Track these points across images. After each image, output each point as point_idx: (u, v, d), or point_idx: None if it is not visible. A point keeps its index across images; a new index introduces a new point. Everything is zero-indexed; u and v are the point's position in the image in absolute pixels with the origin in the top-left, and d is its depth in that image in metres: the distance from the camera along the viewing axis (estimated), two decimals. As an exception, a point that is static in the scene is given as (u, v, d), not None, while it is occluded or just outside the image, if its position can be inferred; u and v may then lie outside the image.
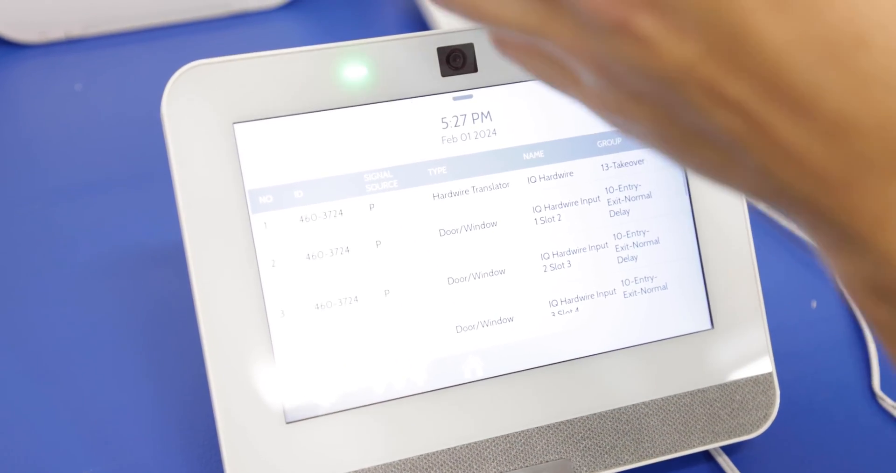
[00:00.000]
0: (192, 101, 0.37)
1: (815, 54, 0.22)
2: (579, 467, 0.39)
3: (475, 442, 0.38)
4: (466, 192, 0.39)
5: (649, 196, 0.41)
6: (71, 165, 0.55)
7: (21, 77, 0.61)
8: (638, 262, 0.40)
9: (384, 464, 0.37)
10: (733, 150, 0.24)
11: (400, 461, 0.37)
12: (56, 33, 0.62)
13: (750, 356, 0.41)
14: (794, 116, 0.23)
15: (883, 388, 0.44)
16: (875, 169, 0.22)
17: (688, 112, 0.24)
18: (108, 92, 0.59)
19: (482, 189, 0.39)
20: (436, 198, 0.39)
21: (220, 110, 0.37)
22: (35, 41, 0.62)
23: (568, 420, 0.39)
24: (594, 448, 0.39)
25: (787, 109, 0.23)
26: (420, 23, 0.65)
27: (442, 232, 0.39)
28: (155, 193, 0.47)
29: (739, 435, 0.40)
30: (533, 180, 0.40)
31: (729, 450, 0.42)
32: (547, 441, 0.39)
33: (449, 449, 0.38)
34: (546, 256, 0.40)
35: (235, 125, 0.37)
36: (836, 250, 0.24)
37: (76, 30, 0.63)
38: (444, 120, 0.39)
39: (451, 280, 0.39)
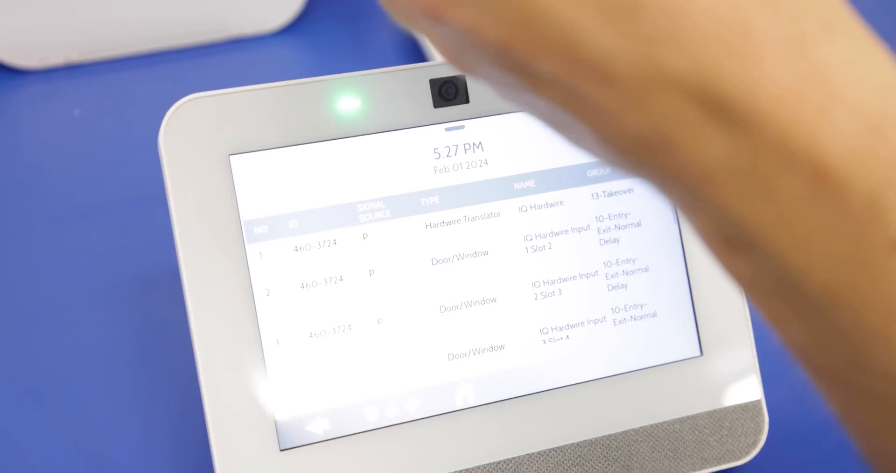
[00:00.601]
0: (189, 133, 0.37)
1: (600, 23, 0.23)
2: (570, 493, 0.39)
3: (466, 469, 0.39)
4: (458, 221, 0.40)
5: (639, 225, 0.41)
6: (69, 190, 0.55)
7: (20, 103, 0.62)
8: (628, 290, 0.41)
9: (377, 491, 0.38)
10: (572, 123, 0.25)
11: (392, 487, 0.38)
12: (55, 59, 0.63)
13: (739, 383, 0.41)
14: (601, 84, 0.23)
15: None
16: (685, 126, 0.23)
17: (526, 94, 0.25)
18: (106, 118, 0.60)
19: (474, 218, 0.40)
20: (428, 227, 0.39)
21: (216, 142, 0.38)
22: (34, 67, 0.63)
23: (558, 447, 0.39)
24: (585, 475, 0.40)
25: (592, 78, 0.24)
26: (415, 47, 0.65)
27: (434, 261, 0.39)
28: (152, 218, 0.48)
29: (728, 462, 0.41)
30: (524, 209, 0.40)
31: (718, 476, 0.42)
32: (537, 467, 0.39)
33: (441, 476, 0.38)
34: (537, 284, 0.40)
35: (231, 157, 0.38)
36: (684, 207, 0.25)
37: (75, 55, 0.64)
38: (437, 150, 0.40)
39: (442, 309, 0.39)
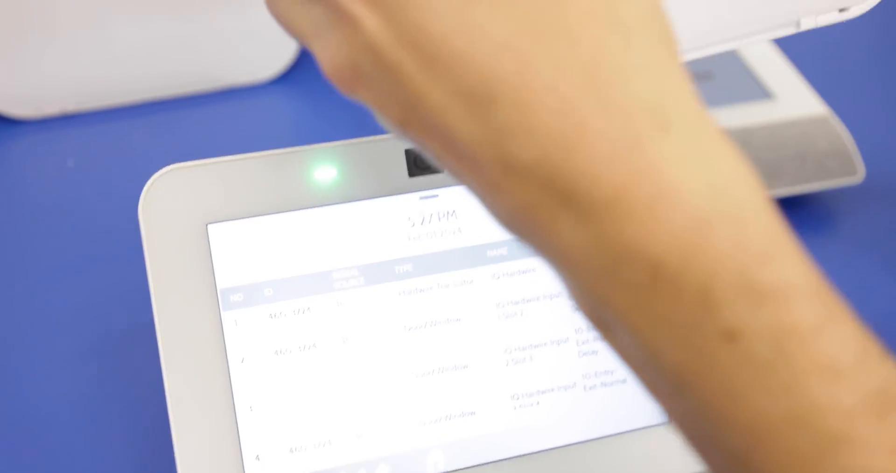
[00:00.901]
0: (168, 203, 0.38)
1: (465, 113, 0.25)
2: (539, 558, 0.40)
3: (435, 535, 0.39)
4: (431, 288, 0.41)
5: (611, 291, 0.42)
6: (56, 242, 0.56)
7: (16, 153, 0.63)
8: (598, 356, 0.42)
9: (347, 555, 0.38)
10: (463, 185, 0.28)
11: (363, 552, 0.38)
12: (51, 109, 0.64)
13: (707, 449, 0.42)
14: (472, 168, 0.26)
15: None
16: (543, 212, 0.25)
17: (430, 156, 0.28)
18: (99, 169, 0.61)
19: (447, 286, 0.41)
20: (402, 295, 0.40)
21: (193, 212, 0.39)
22: (31, 116, 0.64)
23: (527, 513, 0.40)
24: (553, 540, 0.40)
25: (465, 162, 0.26)
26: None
27: (407, 328, 0.40)
28: (136, 275, 0.48)
29: (696, 527, 0.41)
30: (497, 276, 0.41)
31: (689, 539, 0.43)
32: (506, 533, 0.40)
33: (411, 541, 0.39)
34: (508, 350, 0.41)
35: (209, 226, 0.39)
36: (561, 282, 0.27)
37: (71, 105, 0.65)
38: (411, 219, 0.41)
39: (415, 375, 0.40)
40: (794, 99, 0.62)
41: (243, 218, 0.39)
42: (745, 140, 0.59)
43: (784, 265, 0.25)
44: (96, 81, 0.65)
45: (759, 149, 0.58)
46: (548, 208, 0.25)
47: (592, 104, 0.24)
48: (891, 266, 0.55)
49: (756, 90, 0.63)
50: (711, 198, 0.24)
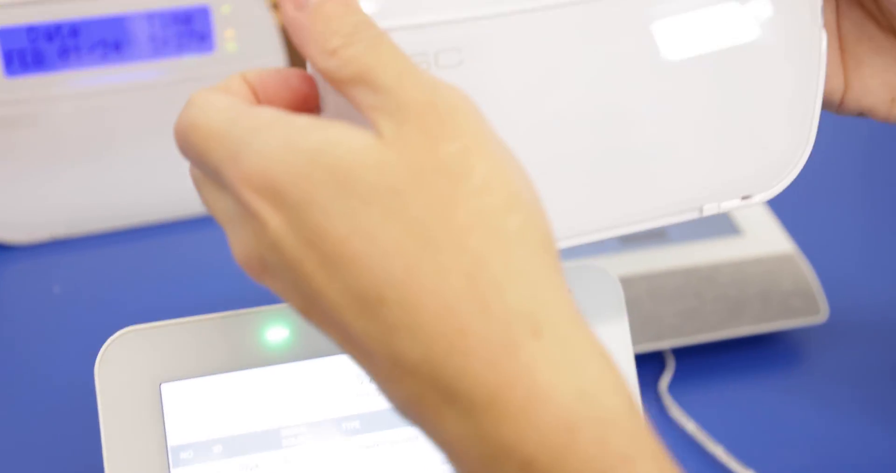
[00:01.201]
0: (123, 364, 0.40)
1: (357, 310, 0.27)
2: None
3: None
4: (379, 445, 0.42)
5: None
6: (24, 376, 0.57)
7: (4, 278, 0.65)
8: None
9: None
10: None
11: None
12: (41, 234, 0.67)
13: None
14: (366, 359, 0.28)
15: None
16: (429, 405, 0.27)
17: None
18: (83, 297, 0.63)
19: (394, 442, 0.42)
20: (349, 452, 0.41)
21: (147, 372, 0.40)
22: (22, 242, 0.66)
23: None
24: None
25: (360, 353, 0.28)
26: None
27: (353, 485, 0.41)
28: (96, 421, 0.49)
29: None
30: (443, 433, 0.42)
31: None
32: None
33: None
34: (453, 507, 0.42)
35: (162, 385, 0.40)
36: (445, 460, 0.28)
37: (61, 231, 0.67)
38: (360, 376, 0.42)
39: (359, 532, 0.41)
40: (762, 235, 0.63)
41: (196, 377, 0.41)
42: (711, 276, 0.60)
43: (644, 467, 0.26)
44: (87, 207, 0.67)
45: (725, 285, 0.60)
46: (433, 402, 0.27)
47: (472, 309, 0.26)
48: (854, 407, 0.56)
49: (724, 225, 0.64)
50: (579, 402, 0.26)
